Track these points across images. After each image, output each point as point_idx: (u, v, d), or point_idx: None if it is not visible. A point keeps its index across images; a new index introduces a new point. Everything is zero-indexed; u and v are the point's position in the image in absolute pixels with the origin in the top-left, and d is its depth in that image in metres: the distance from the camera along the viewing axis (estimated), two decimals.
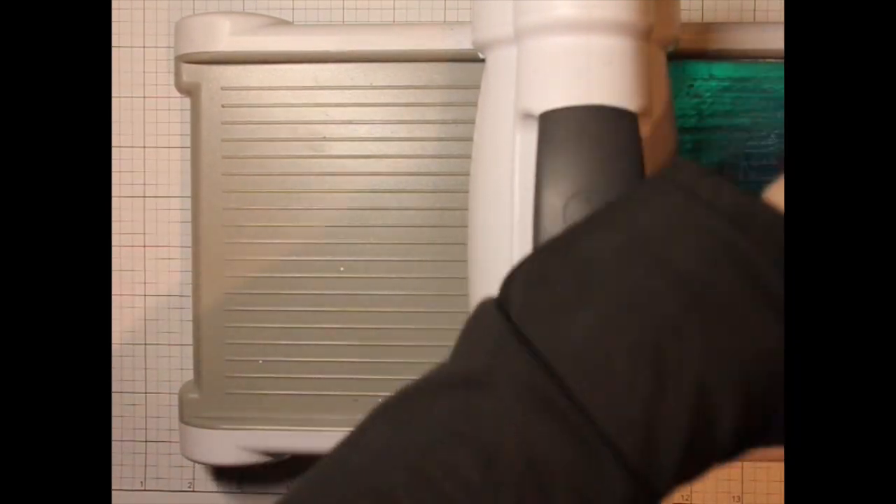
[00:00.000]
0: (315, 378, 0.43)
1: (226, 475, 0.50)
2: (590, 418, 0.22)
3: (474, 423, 0.23)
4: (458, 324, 0.41)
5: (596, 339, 0.23)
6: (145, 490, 0.50)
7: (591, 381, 0.23)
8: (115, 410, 0.50)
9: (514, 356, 0.24)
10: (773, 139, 0.41)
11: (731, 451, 0.24)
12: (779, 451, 0.24)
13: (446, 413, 0.24)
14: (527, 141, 0.32)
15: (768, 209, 0.24)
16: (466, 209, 0.37)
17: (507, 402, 0.23)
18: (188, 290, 0.48)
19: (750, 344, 0.23)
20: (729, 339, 0.23)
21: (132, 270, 0.49)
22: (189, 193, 0.46)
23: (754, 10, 0.47)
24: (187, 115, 0.45)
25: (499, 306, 0.26)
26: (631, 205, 0.26)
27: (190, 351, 0.48)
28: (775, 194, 0.26)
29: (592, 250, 0.25)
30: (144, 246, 0.49)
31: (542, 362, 0.23)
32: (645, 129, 0.32)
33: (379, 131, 0.43)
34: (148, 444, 0.50)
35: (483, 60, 0.36)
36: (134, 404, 0.50)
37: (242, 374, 0.43)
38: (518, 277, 0.26)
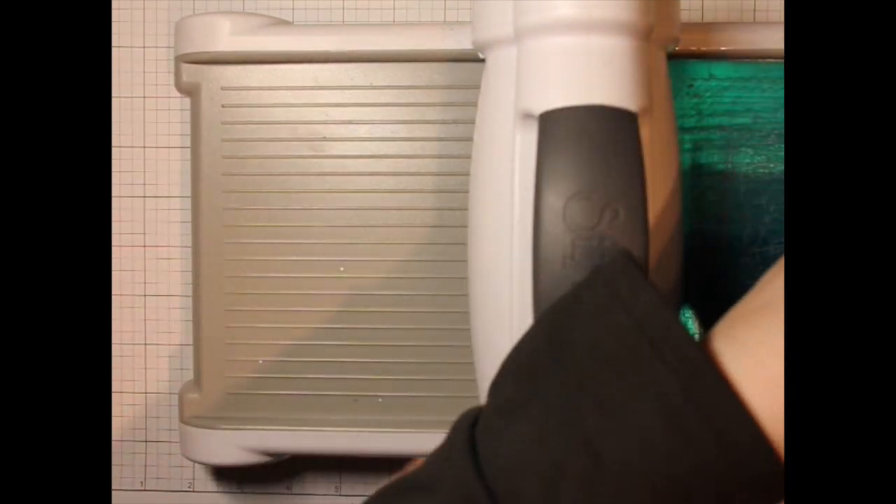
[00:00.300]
0: (315, 378, 0.43)
1: (226, 475, 0.50)
2: None
3: None
4: (458, 324, 0.42)
5: (523, 455, 0.24)
6: (145, 490, 0.50)
7: (512, 496, 0.24)
8: (115, 410, 0.50)
9: (460, 465, 0.25)
10: (773, 139, 0.41)
11: None
12: None
13: None
14: (527, 141, 0.32)
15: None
16: (466, 209, 0.37)
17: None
18: (188, 290, 0.48)
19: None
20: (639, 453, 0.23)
21: (132, 270, 0.49)
22: (189, 193, 0.46)
23: (754, 10, 0.47)
24: (187, 115, 0.45)
25: (476, 411, 0.27)
26: (576, 316, 0.26)
27: (190, 351, 0.48)
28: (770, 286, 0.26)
29: (538, 365, 0.26)
30: (144, 246, 0.49)
31: (480, 474, 0.24)
32: (645, 129, 0.32)
33: (379, 131, 0.43)
34: (148, 444, 0.50)
35: (483, 60, 0.36)
36: (134, 404, 0.50)
37: (242, 374, 0.43)
38: (493, 381, 0.28)
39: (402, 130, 0.42)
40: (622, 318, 0.25)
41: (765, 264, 0.39)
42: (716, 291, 0.41)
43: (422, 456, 0.44)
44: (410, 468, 0.28)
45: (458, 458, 0.25)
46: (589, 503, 0.23)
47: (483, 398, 0.36)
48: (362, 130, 0.43)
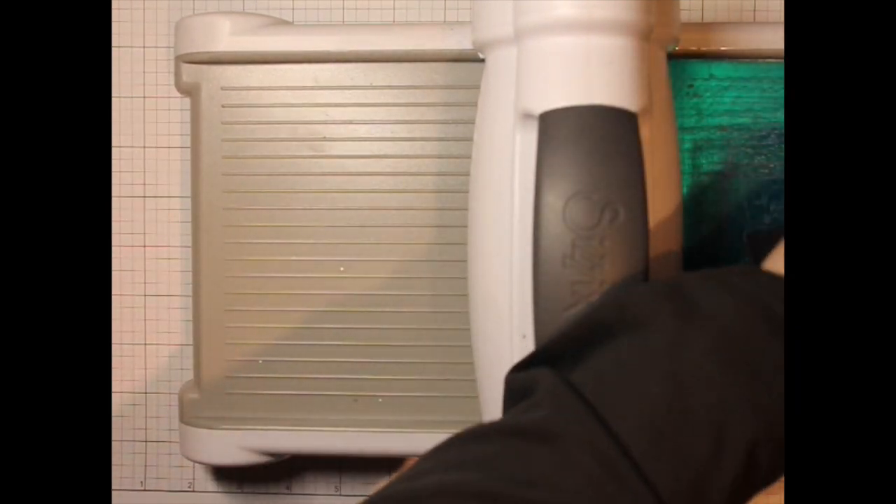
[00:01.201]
0: (315, 378, 0.43)
1: (226, 475, 0.50)
2: (650, 486, 0.23)
3: (538, 471, 0.23)
4: (458, 324, 0.42)
5: (660, 414, 0.24)
6: (145, 490, 0.50)
7: (654, 451, 0.24)
8: (115, 410, 0.50)
9: (579, 417, 0.24)
10: (773, 139, 0.41)
11: (762, 488, 0.25)
12: None
13: (506, 456, 0.24)
14: (527, 141, 0.32)
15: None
16: (466, 209, 0.37)
17: (573, 458, 0.23)
18: (188, 290, 0.48)
19: (779, 398, 0.25)
20: (768, 398, 0.24)
21: (132, 270, 0.49)
22: (189, 193, 0.46)
23: (754, 10, 0.47)
24: (187, 115, 0.45)
25: (552, 369, 0.26)
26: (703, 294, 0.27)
27: (190, 351, 0.48)
28: (774, 262, 0.27)
29: (659, 334, 0.26)
30: (144, 246, 0.49)
31: (605, 427, 0.24)
32: (645, 129, 0.32)
33: (379, 131, 0.42)
34: (148, 444, 0.50)
35: (483, 60, 0.36)
36: (134, 404, 0.50)
37: (242, 374, 0.43)
38: (570, 346, 0.27)
39: (402, 130, 0.42)
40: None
41: None
42: None
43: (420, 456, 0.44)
44: (410, 463, 0.27)
45: (571, 409, 0.25)
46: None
47: (483, 397, 0.36)
48: (362, 130, 0.43)
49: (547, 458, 0.23)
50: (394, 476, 0.28)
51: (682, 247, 0.36)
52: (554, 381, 0.26)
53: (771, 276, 0.27)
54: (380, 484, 0.49)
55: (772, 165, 0.40)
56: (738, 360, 0.25)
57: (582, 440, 0.24)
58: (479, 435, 0.25)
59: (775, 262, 0.28)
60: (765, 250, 0.28)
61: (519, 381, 0.28)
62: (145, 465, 0.50)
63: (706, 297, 0.26)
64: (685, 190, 0.41)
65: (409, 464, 0.28)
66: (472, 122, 0.37)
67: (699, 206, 0.41)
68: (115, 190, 0.49)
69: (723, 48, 0.41)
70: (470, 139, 0.37)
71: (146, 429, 0.50)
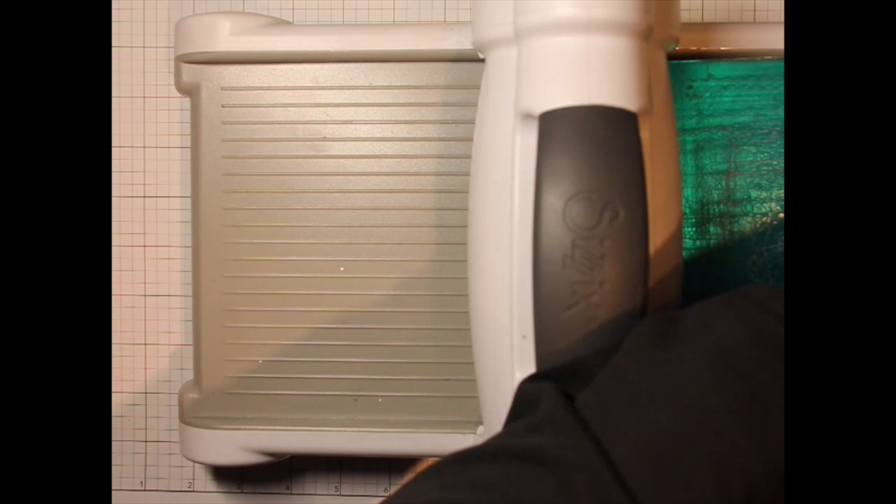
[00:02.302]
0: (315, 378, 0.43)
1: (226, 475, 0.50)
2: None
3: (533, 494, 0.23)
4: (458, 324, 0.42)
5: (661, 444, 0.23)
6: (145, 490, 0.50)
7: (653, 483, 0.23)
8: (115, 410, 0.50)
9: (577, 442, 0.24)
10: (774, 136, 0.41)
11: None
12: None
13: (504, 479, 0.23)
14: (527, 141, 0.32)
15: None
16: (466, 209, 0.37)
17: (571, 485, 0.23)
18: (188, 290, 0.48)
19: (780, 430, 0.24)
20: (775, 439, 0.24)
21: (132, 270, 0.49)
22: (189, 193, 0.46)
23: (754, 10, 0.47)
24: (187, 115, 0.45)
25: (557, 390, 0.26)
26: (706, 318, 0.27)
27: (190, 351, 0.48)
28: None
29: (669, 361, 0.25)
30: (144, 246, 0.49)
31: (604, 454, 0.23)
32: (645, 129, 0.32)
33: (379, 131, 0.43)
34: (148, 444, 0.50)
35: (483, 60, 0.36)
36: (134, 404, 0.50)
37: (242, 374, 0.43)
38: (576, 368, 0.27)
39: (402, 130, 0.42)
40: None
41: (771, 263, 0.39)
42: (722, 292, 0.41)
43: (421, 456, 0.44)
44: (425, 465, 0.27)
45: (570, 433, 0.24)
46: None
47: (483, 397, 0.36)
48: (362, 130, 0.43)
49: (545, 484, 0.23)
50: (391, 493, 0.27)
51: (683, 247, 0.36)
52: (556, 402, 0.25)
53: (771, 291, 0.27)
54: (380, 484, 0.49)
55: (775, 163, 0.40)
56: (742, 389, 0.24)
57: (579, 466, 0.23)
58: (478, 456, 0.25)
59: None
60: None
61: (527, 394, 0.27)
62: (145, 465, 0.50)
63: (709, 324, 0.26)
64: (688, 190, 0.41)
65: (422, 467, 0.27)
66: (472, 122, 0.37)
67: (703, 205, 0.41)
68: (115, 190, 0.49)
69: (722, 48, 0.41)
70: (470, 139, 0.37)
71: (146, 429, 0.50)
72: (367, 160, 0.43)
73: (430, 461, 0.27)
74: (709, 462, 0.23)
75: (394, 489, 0.48)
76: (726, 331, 0.26)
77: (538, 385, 0.27)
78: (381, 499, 0.48)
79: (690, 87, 0.41)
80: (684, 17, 0.43)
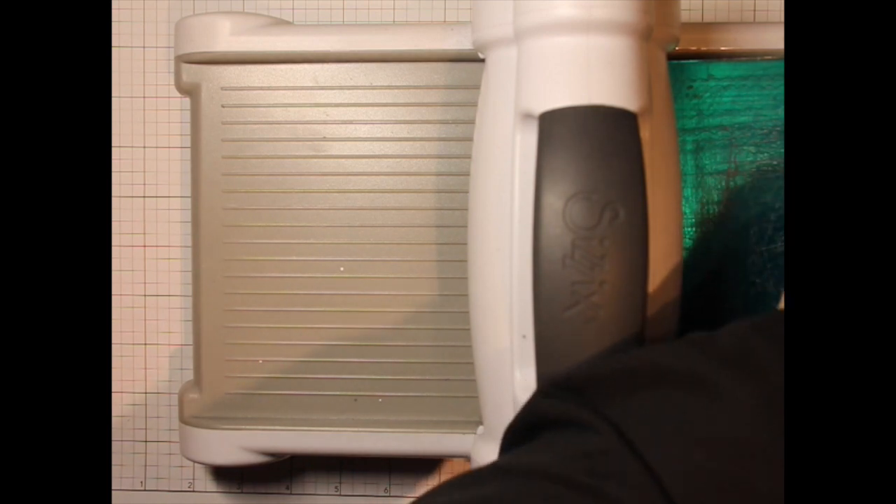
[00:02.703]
0: (315, 378, 0.43)
1: (226, 475, 0.50)
2: None
3: None
4: (458, 324, 0.42)
5: (710, 470, 0.24)
6: (145, 490, 0.50)
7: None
8: (115, 410, 0.50)
9: (626, 465, 0.24)
10: (774, 136, 0.40)
11: None
12: None
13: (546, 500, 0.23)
14: (527, 141, 0.32)
15: None
16: (466, 209, 0.37)
17: None
18: (188, 290, 0.48)
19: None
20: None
21: (132, 270, 0.49)
22: (189, 193, 0.46)
23: (754, 10, 0.47)
24: (187, 115, 0.45)
25: (587, 405, 0.26)
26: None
27: (190, 351, 0.48)
28: None
29: (705, 382, 0.25)
30: (144, 246, 0.49)
31: (655, 477, 0.23)
32: (645, 129, 0.32)
33: (379, 131, 0.43)
34: (148, 444, 0.50)
35: (483, 60, 0.36)
36: (134, 404, 0.50)
37: (242, 374, 0.43)
38: (584, 383, 0.26)
39: (402, 130, 0.42)
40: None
41: (772, 262, 0.39)
42: (722, 292, 0.41)
43: (421, 456, 0.44)
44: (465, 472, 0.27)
45: (618, 456, 0.24)
46: None
47: (483, 398, 0.36)
48: (362, 130, 0.43)
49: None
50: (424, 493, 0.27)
51: (683, 247, 0.36)
52: (609, 436, 0.25)
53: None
54: (381, 484, 0.49)
55: (775, 162, 0.40)
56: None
57: (629, 492, 0.23)
58: (506, 473, 0.25)
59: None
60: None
61: (547, 413, 0.27)
62: (145, 465, 0.50)
63: (758, 354, 0.26)
64: (688, 190, 0.41)
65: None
66: (472, 122, 0.37)
67: (704, 206, 0.41)
68: (115, 190, 0.49)
69: (722, 48, 0.41)
70: (470, 139, 0.37)
71: (146, 429, 0.50)
72: (367, 160, 0.43)
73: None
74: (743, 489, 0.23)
75: (394, 489, 0.49)
76: (766, 361, 0.25)
77: (558, 404, 0.26)
78: (381, 499, 0.48)
79: (690, 87, 0.41)
80: (684, 17, 0.43)
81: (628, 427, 0.24)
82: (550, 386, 0.27)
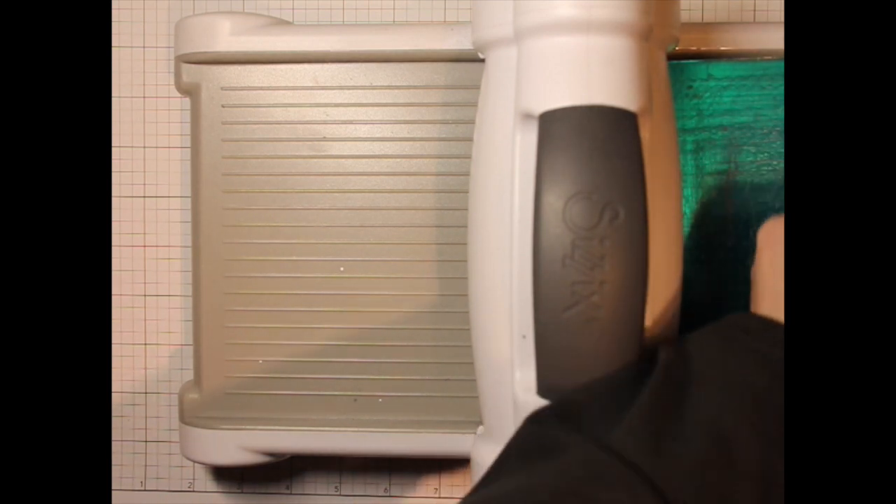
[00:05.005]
0: (315, 378, 0.43)
1: (226, 475, 0.50)
2: None
3: None
4: (458, 324, 0.42)
5: (704, 473, 0.25)
6: (145, 490, 0.50)
7: None
8: (115, 410, 0.50)
9: (621, 477, 0.24)
10: (774, 136, 0.40)
11: None
12: None
13: None
14: (527, 141, 0.32)
15: None
16: (466, 209, 0.37)
17: None
18: (188, 290, 0.48)
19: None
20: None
21: (132, 270, 0.49)
22: (189, 193, 0.46)
23: (754, 10, 0.47)
24: (187, 115, 0.45)
25: (576, 429, 0.27)
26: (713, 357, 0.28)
27: (190, 351, 0.48)
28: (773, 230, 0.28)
29: (693, 400, 0.27)
30: (144, 246, 0.49)
31: (652, 487, 0.24)
32: (645, 129, 0.32)
33: (379, 131, 0.42)
34: (148, 444, 0.50)
35: (483, 60, 0.36)
36: (134, 404, 0.50)
37: (242, 374, 0.43)
38: (601, 408, 0.27)
39: (402, 130, 0.42)
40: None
41: None
42: (722, 291, 0.41)
43: (421, 456, 0.44)
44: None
45: (610, 469, 0.25)
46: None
47: (483, 398, 0.36)
48: (362, 130, 0.43)
49: None
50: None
51: (683, 247, 0.36)
52: (590, 450, 0.26)
53: (766, 323, 0.28)
54: (380, 484, 0.49)
55: (775, 162, 0.40)
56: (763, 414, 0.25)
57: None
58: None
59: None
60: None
61: (543, 438, 0.27)
62: (145, 465, 0.50)
63: (717, 361, 0.27)
64: (688, 190, 0.41)
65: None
66: (472, 122, 0.37)
67: (704, 205, 0.41)
68: (115, 190, 0.49)
69: (722, 48, 0.41)
70: (470, 139, 0.37)
71: (146, 429, 0.50)
72: (367, 160, 0.43)
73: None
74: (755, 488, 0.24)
75: (393, 489, 0.49)
76: (736, 364, 0.27)
77: (556, 434, 0.27)
78: (381, 499, 0.48)
79: (690, 87, 0.41)
80: (684, 17, 0.43)
81: (615, 441, 0.26)
82: (540, 413, 0.28)
